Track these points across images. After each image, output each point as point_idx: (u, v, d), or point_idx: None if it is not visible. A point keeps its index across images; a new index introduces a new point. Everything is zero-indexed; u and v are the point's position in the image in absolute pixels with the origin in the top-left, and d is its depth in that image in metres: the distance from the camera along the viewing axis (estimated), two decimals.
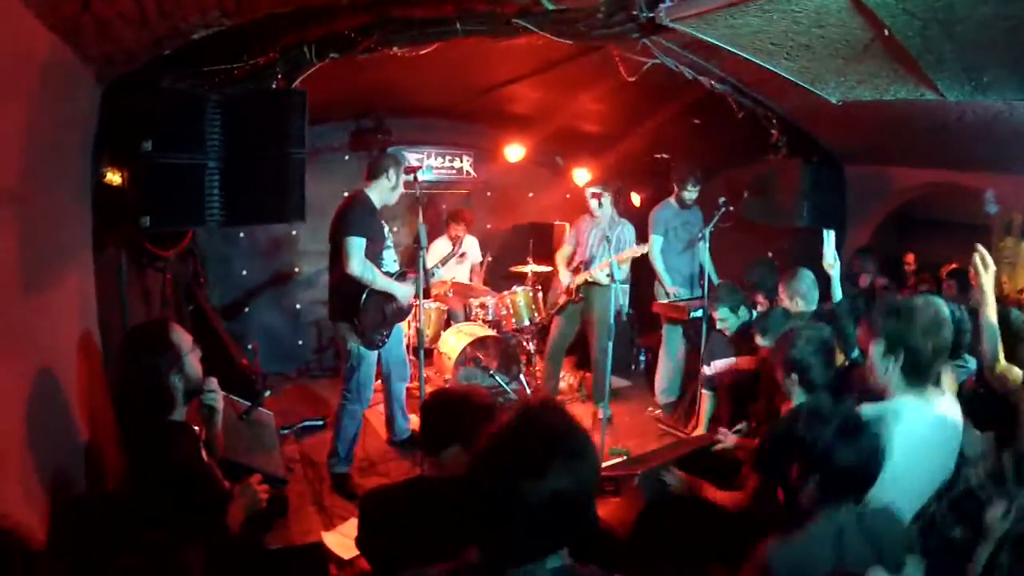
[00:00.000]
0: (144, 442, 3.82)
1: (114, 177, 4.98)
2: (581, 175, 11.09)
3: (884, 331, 3.67)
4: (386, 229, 6.97)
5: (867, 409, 3.55)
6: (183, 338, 4.01)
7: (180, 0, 4.15)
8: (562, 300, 8.93)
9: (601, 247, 8.49)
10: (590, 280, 8.54)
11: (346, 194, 6.86)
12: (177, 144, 5.03)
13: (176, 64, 5.05)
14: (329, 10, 5.27)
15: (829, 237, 6.37)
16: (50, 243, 4.01)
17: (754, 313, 7.49)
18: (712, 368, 7.29)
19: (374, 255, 6.62)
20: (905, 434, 3.41)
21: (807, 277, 6.75)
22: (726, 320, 7.42)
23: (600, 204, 8.63)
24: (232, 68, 5.40)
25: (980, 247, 4.45)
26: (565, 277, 8.85)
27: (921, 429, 3.51)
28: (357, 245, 6.41)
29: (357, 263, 6.40)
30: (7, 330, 3.32)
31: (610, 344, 7.42)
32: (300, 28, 5.45)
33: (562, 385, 9.75)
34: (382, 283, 6.62)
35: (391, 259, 7.01)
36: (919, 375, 3.60)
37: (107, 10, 3.86)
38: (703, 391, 7.81)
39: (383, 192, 6.81)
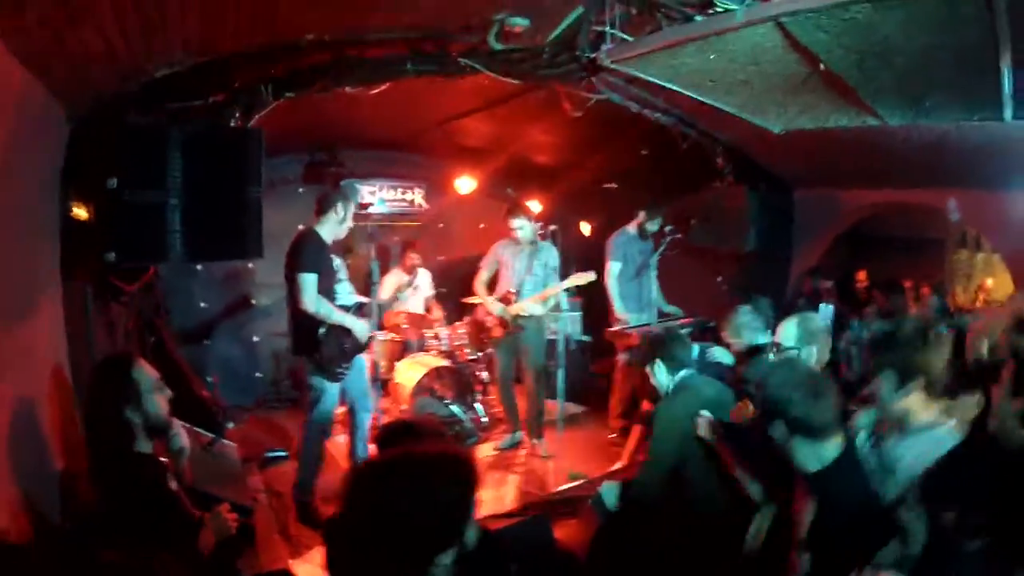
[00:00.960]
0: (111, 471, 3.92)
1: (80, 212, 5.11)
2: (532, 206, 11.22)
3: (892, 364, 3.63)
4: (338, 263, 7.05)
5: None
6: (145, 375, 4.06)
7: (147, 39, 4.32)
8: (497, 333, 8.72)
9: (531, 275, 8.53)
10: (524, 313, 8.47)
11: (301, 227, 6.93)
12: (141, 181, 5.15)
13: (140, 101, 5.23)
14: (286, 50, 5.42)
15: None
16: (22, 276, 4.11)
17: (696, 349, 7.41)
18: None
19: (327, 290, 6.69)
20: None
21: (743, 312, 6.74)
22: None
23: (522, 229, 8.45)
24: (193, 105, 5.57)
25: None
26: (495, 307, 8.63)
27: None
28: (309, 282, 6.49)
29: (310, 300, 6.48)
30: None
31: (561, 371, 7.67)
32: (258, 67, 5.63)
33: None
34: (337, 318, 6.70)
35: (345, 292, 7.08)
36: (936, 392, 3.58)
37: (79, 47, 4.02)
38: (644, 426, 7.57)
39: (332, 227, 6.87)
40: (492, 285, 8.81)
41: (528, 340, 8.56)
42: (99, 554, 3.38)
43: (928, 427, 3.54)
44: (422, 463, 2.57)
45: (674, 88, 5.69)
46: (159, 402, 4.09)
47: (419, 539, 2.42)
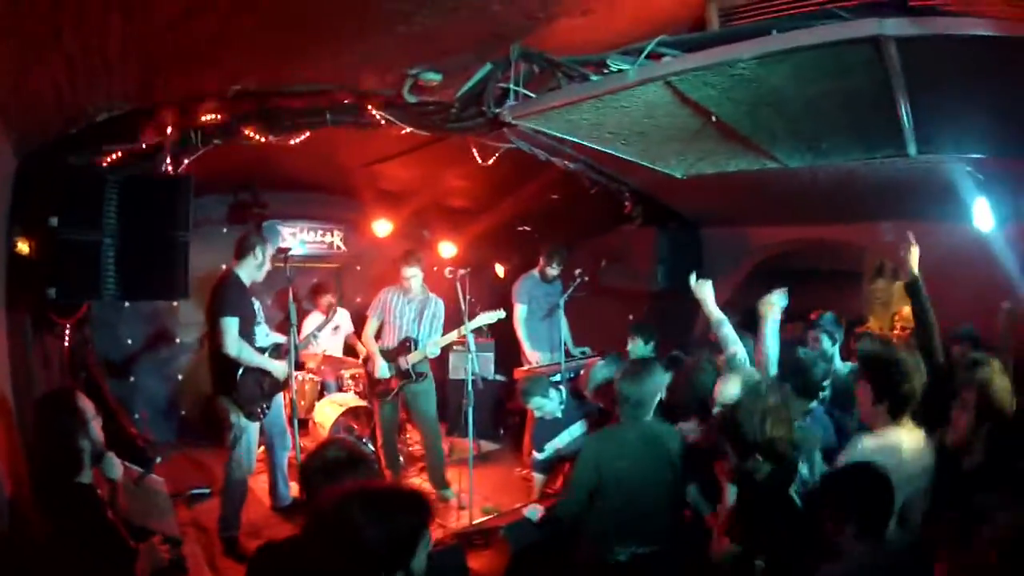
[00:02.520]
0: (56, 501, 4.14)
1: (24, 247, 5.37)
2: (446, 248, 11.45)
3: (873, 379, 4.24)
4: (257, 305, 7.26)
5: (868, 442, 4.13)
6: (87, 405, 4.37)
7: (91, 84, 4.64)
8: (394, 384, 8.52)
9: (423, 325, 8.62)
10: (428, 357, 8.53)
11: (224, 267, 7.15)
12: (79, 221, 5.44)
13: (80, 142, 5.52)
14: (214, 99, 5.72)
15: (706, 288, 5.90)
16: None
17: (562, 393, 7.76)
18: (550, 448, 7.57)
19: (247, 332, 6.92)
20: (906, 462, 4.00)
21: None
22: (542, 407, 7.56)
23: (414, 278, 8.53)
24: (128, 148, 5.83)
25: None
26: (386, 370, 8.47)
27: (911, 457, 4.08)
28: (230, 325, 6.72)
29: (231, 343, 6.72)
30: None
31: (470, 409, 7.92)
32: (188, 115, 5.89)
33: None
34: (257, 360, 6.95)
35: (263, 334, 7.30)
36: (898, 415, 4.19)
37: (32, 87, 4.35)
38: (534, 474, 7.96)
39: (251, 270, 7.10)
40: (378, 334, 8.79)
41: (420, 388, 8.63)
42: None
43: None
44: (383, 494, 2.85)
45: (574, 140, 5.97)
46: (97, 428, 4.35)
47: (373, 562, 2.66)
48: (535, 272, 9.61)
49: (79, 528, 4.02)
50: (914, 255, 5.13)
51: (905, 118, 4.73)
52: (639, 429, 5.30)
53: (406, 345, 8.49)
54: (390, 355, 8.54)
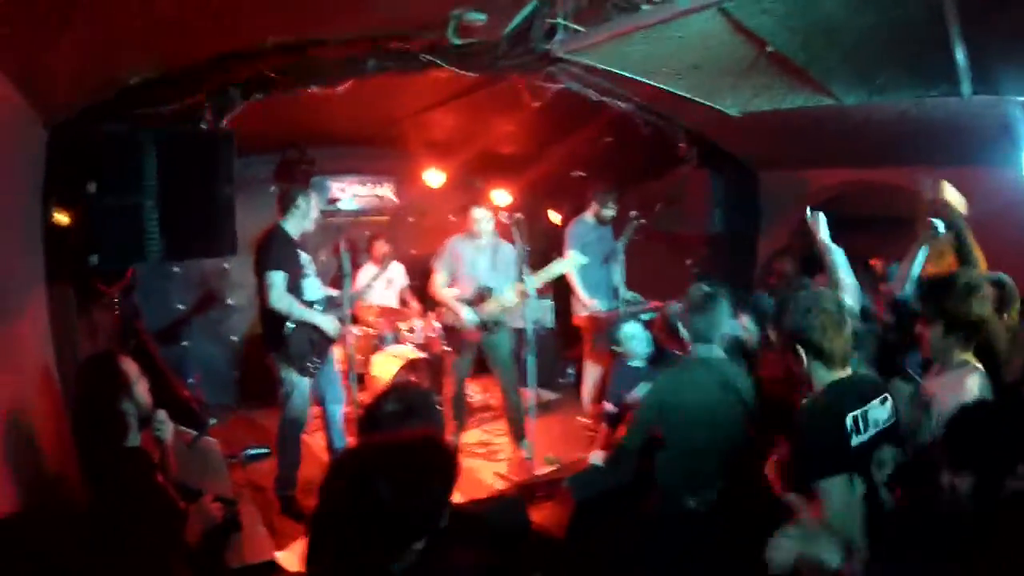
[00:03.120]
0: (103, 466, 4.08)
1: (62, 217, 5.28)
2: (501, 196, 11.29)
3: (942, 312, 4.00)
4: (307, 259, 7.14)
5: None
6: (130, 367, 4.28)
7: (120, 51, 4.55)
8: (475, 337, 8.16)
9: (496, 272, 8.21)
10: (506, 305, 8.02)
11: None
12: (118, 185, 5.35)
13: (114, 108, 5.39)
14: (251, 53, 5.55)
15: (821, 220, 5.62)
16: (7, 280, 4.24)
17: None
18: (629, 398, 6.81)
19: (294, 286, 6.81)
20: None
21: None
22: (632, 338, 7.33)
23: (484, 221, 8.15)
24: (165, 110, 5.70)
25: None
26: (471, 316, 8.04)
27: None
28: (277, 279, 6.62)
29: (277, 297, 6.62)
30: None
31: (531, 358, 7.65)
32: (226, 71, 5.74)
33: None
34: (306, 315, 6.84)
35: (314, 287, 7.17)
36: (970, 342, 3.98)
37: (55, 59, 4.19)
38: (603, 424, 7.22)
39: (297, 222, 6.97)
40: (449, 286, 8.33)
41: (498, 339, 8.29)
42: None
43: (962, 366, 3.94)
44: (404, 452, 2.67)
45: (627, 75, 5.81)
46: (142, 390, 4.27)
47: (398, 527, 2.52)
48: (586, 216, 9.32)
49: (126, 492, 3.96)
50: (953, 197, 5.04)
51: (959, 55, 4.57)
52: (706, 366, 5.09)
53: (482, 296, 8.13)
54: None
